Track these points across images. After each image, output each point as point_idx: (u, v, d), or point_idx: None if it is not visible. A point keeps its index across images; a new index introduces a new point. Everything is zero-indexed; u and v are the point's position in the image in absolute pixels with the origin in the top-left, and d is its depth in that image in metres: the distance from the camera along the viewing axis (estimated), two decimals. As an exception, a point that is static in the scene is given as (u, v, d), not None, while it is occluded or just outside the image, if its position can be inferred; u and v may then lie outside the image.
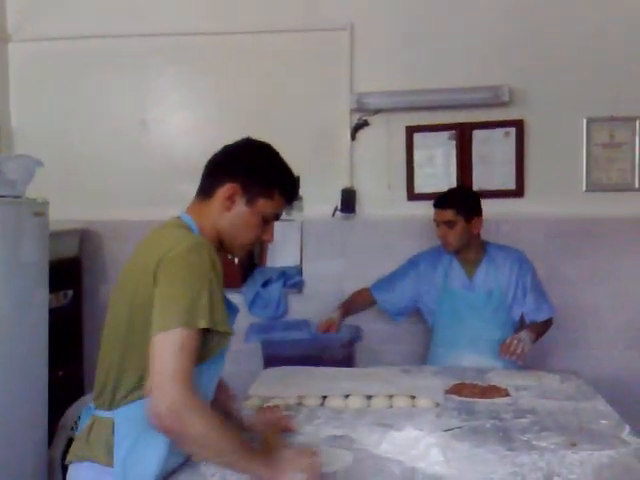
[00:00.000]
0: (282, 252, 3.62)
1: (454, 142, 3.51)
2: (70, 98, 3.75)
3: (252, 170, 1.64)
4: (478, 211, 2.91)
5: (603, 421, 1.99)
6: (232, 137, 1.72)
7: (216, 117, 3.65)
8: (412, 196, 3.54)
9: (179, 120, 3.71)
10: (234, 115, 3.59)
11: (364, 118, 3.55)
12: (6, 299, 2.68)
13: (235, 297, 3.34)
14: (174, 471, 1.61)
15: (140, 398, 1.48)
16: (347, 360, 2.96)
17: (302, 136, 3.54)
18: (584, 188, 3.45)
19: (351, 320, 3.14)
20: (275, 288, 3.54)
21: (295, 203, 3.61)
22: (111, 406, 1.55)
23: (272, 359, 2.90)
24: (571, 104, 3.43)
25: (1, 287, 2.66)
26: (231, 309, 1.65)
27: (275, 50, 3.59)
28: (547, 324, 2.93)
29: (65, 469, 1.64)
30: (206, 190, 1.66)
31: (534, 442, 1.80)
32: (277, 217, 1.71)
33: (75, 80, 3.74)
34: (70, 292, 3.53)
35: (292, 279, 3.57)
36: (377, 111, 3.53)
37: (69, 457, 1.61)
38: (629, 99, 3.41)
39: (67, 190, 3.59)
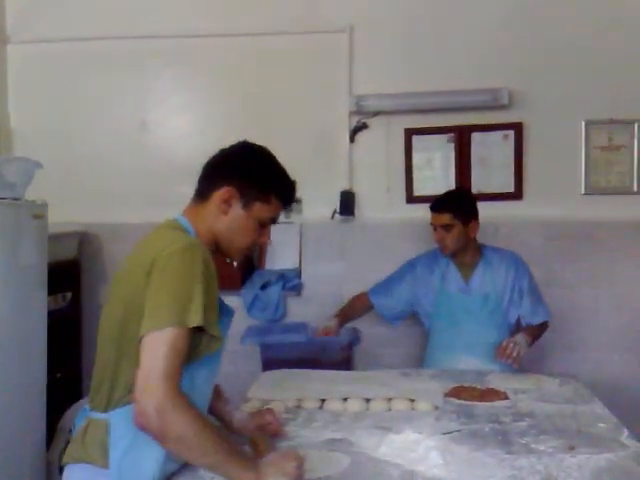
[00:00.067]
0: (281, 255, 3.62)
1: (453, 145, 3.51)
2: (69, 100, 3.75)
3: (249, 174, 1.64)
4: (475, 214, 2.92)
5: (601, 424, 1.99)
6: (232, 139, 1.72)
7: (216, 119, 3.65)
8: (411, 199, 3.55)
9: (179, 122, 3.71)
10: (234, 117, 3.59)
11: (363, 120, 3.55)
12: (5, 301, 2.68)
13: (234, 299, 3.35)
14: (173, 474, 1.61)
15: None
16: (346, 363, 2.96)
17: (301, 138, 3.55)
18: (583, 191, 3.46)
19: (349, 323, 3.13)
20: (274, 291, 3.53)
21: (294, 206, 3.61)
22: (107, 407, 1.54)
23: (271, 362, 2.90)
24: (570, 107, 3.44)
25: (0, 289, 2.66)
26: (226, 312, 1.65)
27: (274, 52, 3.59)
28: (543, 327, 2.93)
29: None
30: (203, 193, 1.66)
31: (533, 445, 1.80)
32: (274, 221, 1.71)
33: (74, 82, 3.74)
34: (69, 294, 3.53)
35: (291, 282, 3.57)
36: (376, 113, 3.53)
37: (65, 459, 1.60)
38: (628, 102, 3.41)
39: (66, 192, 3.59)
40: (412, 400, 2.19)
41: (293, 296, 3.60)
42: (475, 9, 3.48)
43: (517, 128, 3.46)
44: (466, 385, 2.38)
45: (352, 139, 3.56)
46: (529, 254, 3.07)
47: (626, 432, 1.90)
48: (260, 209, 1.64)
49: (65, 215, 3.35)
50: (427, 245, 3.13)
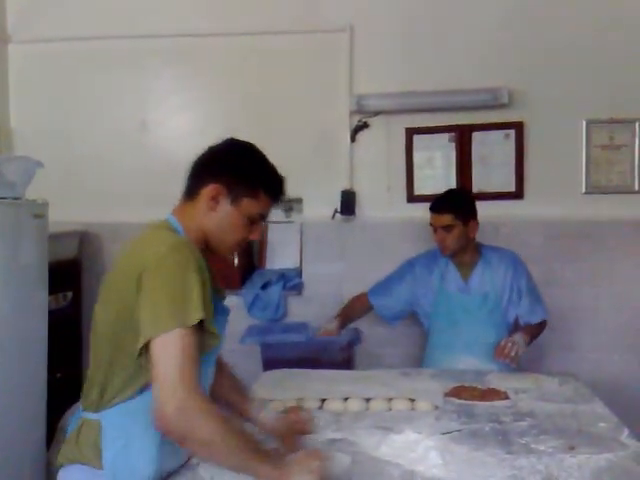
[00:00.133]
0: (282, 254, 3.62)
1: (454, 144, 3.51)
2: (70, 99, 3.75)
3: (236, 170, 1.63)
4: (474, 214, 2.92)
5: (602, 424, 1.99)
6: (232, 139, 1.72)
7: (216, 119, 3.65)
8: (412, 198, 3.54)
9: (179, 121, 3.70)
10: (234, 117, 3.58)
11: (364, 120, 3.55)
12: (5, 301, 2.68)
13: (234, 299, 3.34)
14: (172, 473, 1.61)
15: (127, 400, 1.49)
16: (346, 363, 2.96)
17: (301, 138, 3.55)
18: (583, 190, 3.46)
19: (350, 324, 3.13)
20: (274, 290, 3.53)
21: (294, 205, 3.61)
22: (98, 408, 1.54)
23: (271, 362, 2.90)
24: (571, 106, 3.43)
25: (0, 289, 2.66)
26: (221, 310, 1.65)
27: (274, 52, 3.58)
28: (541, 326, 2.93)
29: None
30: (191, 191, 1.65)
31: (533, 445, 1.80)
32: (264, 217, 1.69)
33: (75, 81, 3.74)
34: (69, 294, 3.53)
35: (291, 281, 3.57)
36: (377, 113, 3.53)
37: (59, 460, 1.60)
38: (629, 101, 3.41)
39: (67, 192, 3.58)
40: (412, 400, 2.19)
41: (294, 296, 3.60)
42: (475, 9, 3.48)
43: (518, 127, 3.46)
44: (466, 385, 2.37)
45: (353, 138, 3.56)
46: (529, 253, 3.06)
47: (626, 432, 1.90)
48: (249, 205, 1.63)
49: (65, 214, 3.34)
50: (427, 245, 3.13)
